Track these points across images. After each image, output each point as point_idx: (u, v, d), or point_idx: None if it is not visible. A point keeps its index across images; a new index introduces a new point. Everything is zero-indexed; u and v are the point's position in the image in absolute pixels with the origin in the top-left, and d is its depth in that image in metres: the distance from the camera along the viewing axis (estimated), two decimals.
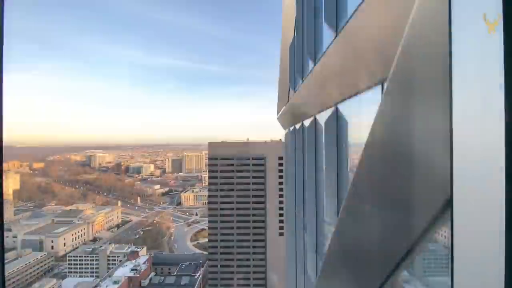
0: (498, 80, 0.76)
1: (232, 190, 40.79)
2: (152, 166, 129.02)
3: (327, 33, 3.66)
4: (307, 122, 5.94)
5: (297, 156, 7.58)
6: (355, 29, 2.38)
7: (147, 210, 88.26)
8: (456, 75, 0.97)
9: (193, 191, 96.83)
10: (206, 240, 59.42)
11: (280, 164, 39.27)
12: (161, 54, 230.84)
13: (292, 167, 8.41)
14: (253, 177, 41.03)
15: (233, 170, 41.41)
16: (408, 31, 1.35)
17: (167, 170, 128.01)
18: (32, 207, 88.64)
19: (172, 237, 70.28)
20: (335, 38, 3.08)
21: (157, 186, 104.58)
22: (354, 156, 3.45)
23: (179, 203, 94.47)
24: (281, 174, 38.48)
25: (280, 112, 9.49)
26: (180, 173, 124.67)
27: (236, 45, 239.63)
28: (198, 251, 61.40)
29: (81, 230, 66.45)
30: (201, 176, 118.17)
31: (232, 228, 40.39)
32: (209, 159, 42.54)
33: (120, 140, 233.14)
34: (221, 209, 40.78)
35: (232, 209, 40.53)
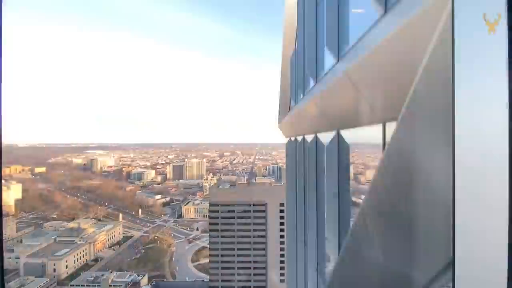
0: (500, 80, 0.76)
1: (233, 236, 40.76)
2: (153, 172, 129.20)
3: (328, 57, 3.72)
4: (308, 138, 5.88)
5: (299, 169, 7.49)
6: (357, 60, 2.39)
7: (148, 224, 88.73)
8: (458, 76, 0.97)
9: (193, 203, 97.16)
10: (207, 260, 59.94)
11: (282, 211, 39.02)
12: (160, 49, 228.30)
13: (293, 180, 8.27)
14: (254, 224, 40.94)
15: (234, 216, 41.28)
16: (420, 75, 1.33)
17: (168, 177, 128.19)
18: (34, 219, 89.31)
19: (173, 257, 70.75)
20: (335, 64, 3.18)
21: (158, 196, 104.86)
22: (356, 184, 3.61)
23: (180, 215, 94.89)
24: (282, 221, 38.26)
25: (282, 121, 9.30)
26: (181, 180, 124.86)
27: (238, 44, 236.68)
28: (199, 274, 61.87)
29: (83, 251, 66.90)
30: (201, 184, 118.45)
31: (233, 274, 40.59)
32: (210, 205, 42.41)
33: (120, 139, 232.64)
34: (222, 255, 40.89)
35: (233, 255, 40.61)
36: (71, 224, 77.17)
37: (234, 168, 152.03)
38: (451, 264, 0.95)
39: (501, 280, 0.70)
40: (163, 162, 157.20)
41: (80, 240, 68.48)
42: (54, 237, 70.17)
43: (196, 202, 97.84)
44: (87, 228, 73.40)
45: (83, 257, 66.67)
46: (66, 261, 62.42)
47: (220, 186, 43.87)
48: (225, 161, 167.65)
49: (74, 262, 64.27)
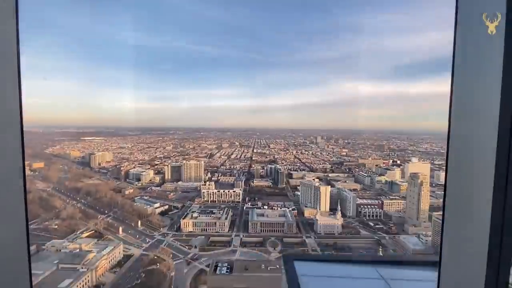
0: (497, 79, 0.76)
1: None
2: (151, 172, 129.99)
3: None
4: None
5: None
6: None
7: (147, 239, 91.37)
8: (457, 73, 0.97)
9: (192, 216, 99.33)
10: (205, 287, 63.67)
11: None
12: (157, 35, 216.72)
13: None
14: None
15: None
16: None
17: (166, 177, 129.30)
18: (35, 230, 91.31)
19: (172, 284, 74.05)
20: None
21: (157, 204, 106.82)
22: None
23: (179, 228, 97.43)
24: None
25: None
26: (179, 182, 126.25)
27: (232, 26, 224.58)
28: None
29: (85, 279, 69.64)
30: (200, 188, 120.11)
31: None
32: None
33: (117, 124, 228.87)
34: None
35: None
36: (73, 245, 79.33)
37: (232, 165, 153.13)
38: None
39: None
40: (161, 155, 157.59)
41: (82, 267, 70.96)
42: (56, 262, 72.49)
43: (194, 215, 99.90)
44: (89, 253, 75.67)
45: (85, 284, 69.54)
46: None
47: (218, 272, 45.00)
48: (223, 155, 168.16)
49: None
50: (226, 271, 45.01)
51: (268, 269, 44.26)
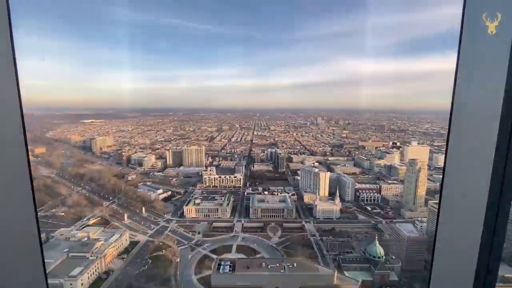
0: (499, 77, 0.85)
1: None
2: (153, 157, 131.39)
3: None
4: None
5: None
6: None
7: (152, 225, 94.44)
8: (461, 72, 1.04)
9: (194, 203, 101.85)
10: (209, 272, 67.47)
11: None
12: (151, 12, 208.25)
13: None
14: None
15: None
16: None
17: (168, 163, 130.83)
18: (43, 217, 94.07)
19: (178, 270, 77.68)
20: None
21: (160, 191, 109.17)
22: None
23: (182, 213, 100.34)
24: None
25: None
26: (181, 167, 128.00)
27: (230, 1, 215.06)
28: None
29: (95, 266, 73.12)
30: (201, 173, 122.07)
31: None
32: None
33: (115, 105, 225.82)
34: None
35: None
36: (81, 234, 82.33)
37: (233, 149, 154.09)
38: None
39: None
40: (162, 139, 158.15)
41: (91, 255, 74.20)
42: (66, 250, 75.67)
43: (196, 201, 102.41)
44: (97, 241, 78.76)
45: (95, 271, 73.12)
46: (81, 279, 68.86)
47: (221, 271, 47.17)
48: (224, 138, 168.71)
49: (88, 278, 70.88)
50: (229, 270, 47.41)
51: (269, 267, 46.57)
